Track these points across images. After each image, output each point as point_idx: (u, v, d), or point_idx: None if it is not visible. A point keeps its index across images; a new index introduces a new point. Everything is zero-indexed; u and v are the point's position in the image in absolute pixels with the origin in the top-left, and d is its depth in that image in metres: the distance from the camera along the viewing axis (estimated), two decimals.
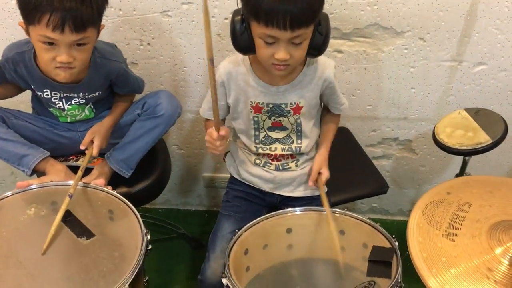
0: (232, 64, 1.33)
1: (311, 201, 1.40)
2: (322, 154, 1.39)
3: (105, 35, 1.54)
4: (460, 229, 1.07)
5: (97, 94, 1.47)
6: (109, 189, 1.33)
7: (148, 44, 1.64)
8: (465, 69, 1.64)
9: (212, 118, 1.26)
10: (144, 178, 1.54)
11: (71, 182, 1.31)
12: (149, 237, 1.19)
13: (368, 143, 1.86)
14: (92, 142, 1.46)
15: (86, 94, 1.45)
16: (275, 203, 1.46)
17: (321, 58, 1.31)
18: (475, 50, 1.59)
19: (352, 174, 1.61)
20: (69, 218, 1.24)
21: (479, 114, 1.50)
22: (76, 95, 1.45)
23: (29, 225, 1.23)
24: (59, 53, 1.25)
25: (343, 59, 1.64)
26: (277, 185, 1.43)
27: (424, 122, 1.78)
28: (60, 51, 1.25)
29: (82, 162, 1.52)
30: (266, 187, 1.44)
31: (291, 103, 1.33)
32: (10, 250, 1.16)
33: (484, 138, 1.41)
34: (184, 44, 1.63)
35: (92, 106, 1.51)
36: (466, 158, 1.53)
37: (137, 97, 1.58)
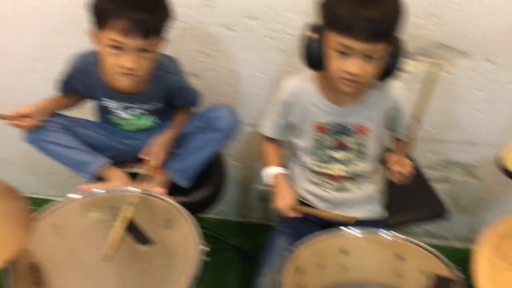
0: (299, 82, 1.33)
1: (368, 224, 1.37)
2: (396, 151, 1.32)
3: (167, 46, 1.58)
4: None
5: (155, 106, 1.51)
6: (167, 197, 1.36)
7: (209, 56, 1.67)
8: None
9: (277, 138, 1.36)
10: (201, 188, 1.56)
11: (132, 188, 1.35)
12: (206, 249, 1.20)
13: (427, 165, 1.80)
14: (152, 152, 1.50)
15: (145, 105, 1.50)
16: (330, 222, 1.43)
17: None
18: None
19: (411, 196, 1.56)
20: (129, 224, 1.27)
21: None
22: (136, 106, 1.49)
23: (91, 229, 1.27)
24: (124, 59, 1.30)
25: (406, 78, 1.60)
26: (333, 205, 1.41)
27: (489, 146, 1.71)
28: (125, 56, 1.29)
29: (142, 171, 1.56)
30: (322, 206, 1.42)
31: (356, 124, 1.31)
32: (72, 253, 1.20)
33: None
34: (245, 58, 1.65)
35: (153, 117, 1.55)
36: None
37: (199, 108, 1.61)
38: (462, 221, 1.95)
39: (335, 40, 1.13)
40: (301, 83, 1.33)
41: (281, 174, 1.41)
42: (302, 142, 1.38)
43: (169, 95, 1.52)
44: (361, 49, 1.11)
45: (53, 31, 1.70)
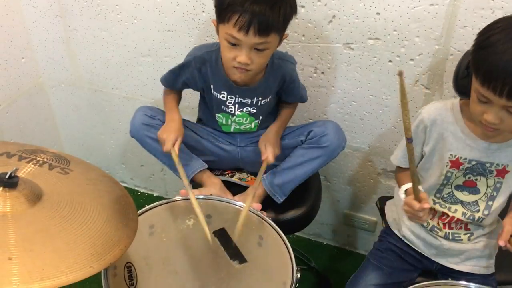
0: (439, 110, 1.21)
1: (475, 278, 1.25)
2: None
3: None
4: None
5: (268, 99, 1.47)
6: (264, 214, 1.31)
7: (322, 73, 1.61)
8: None
9: (406, 166, 1.23)
10: (295, 207, 1.50)
11: (237, 202, 1.32)
12: (299, 275, 1.14)
13: None
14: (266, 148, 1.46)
15: (260, 98, 1.46)
16: (432, 269, 1.33)
17: None
18: None
19: None
20: (224, 237, 1.24)
21: None
22: (249, 101, 1.46)
23: (187, 235, 1.25)
24: (240, 54, 1.28)
25: None
26: (441, 253, 1.30)
27: None
28: (241, 52, 1.27)
29: (239, 181, 1.54)
30: (428, 253, 1.31)
31: (497, 164, 1.18)
32: (168, 257, 1.19)
33: None
34: (359, 78, 1.57)
35: (258, 119, 1.51)
36: None
37: (301, 120, 1.54)
38: None
39: (475, 85, 1.04)
40: (444, 110, 1.20)
41: None
42: (428, 175, 1.27)
43: (283, 85, 1.47)
44: (499, 103, 1.02)
45: (165, 29, 1.72)
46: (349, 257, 2.07)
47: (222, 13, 1.26)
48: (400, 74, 0.93)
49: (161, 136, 1.41)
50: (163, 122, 1.46)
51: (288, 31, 1.34)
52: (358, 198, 1.90)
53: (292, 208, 1.50)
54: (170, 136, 1.39)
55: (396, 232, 1.37)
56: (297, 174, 1.47)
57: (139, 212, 1.20)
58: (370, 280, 1.30)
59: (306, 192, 1.55)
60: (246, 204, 1.29)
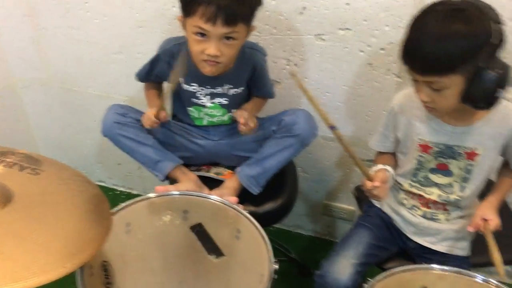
0: (407, 96, 1.27)
1: (450, 260, 1.28)
2: (490, 201, 1.25)
3: None
4: None
5: (239, 90, 1.47)
6: (240, 207, 1.31)
7: (295, 64, 1.61)
8: None
9: (382, 150, 1.34)
10: (272, 199, 1.50)
11: (212, 196, 1.31)
12: (277, 267, 1.15)
13: None
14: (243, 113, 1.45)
15: (231, 87, 1.46)
16: (409, 247, 1.36)
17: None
18: None
19: (501, 233, 1.44)
20: (201, 231, 1.24)
21: None
22: (220, 90, 1.45)
23: (164, 232, 1.24)
24: (209, 46, 1.28)
25: None
26: (419, 232, 1.33)
27: None
28: (209, 44, 1.27)
29: (214, 176, 1.53)
30: (407, 230, 1.35)
31: (465, 147, 1.21)
32: (145, 255, 1.18)
33: None
34: (332, 69, 1.58)
35: (230, 113, 1.51)
36: None
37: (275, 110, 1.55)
38: None
39: None
40: (410, 97, 1.24)
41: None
42: (405, 159, 1.31)
43: (253, 75, 1.47)
44: (422, 80, 1.11)
45: (137, 25, 1.70)
46: (329, 247, 2.05)
47: (188, 6, 1.26)
48: (292, 74, 1.01)
49: (142, 118, 1.42)
50: (136, 120, 1.45)
51: (259, 23, 1.34)
52: (335, 188, 1.92)
53: (269, 200, 1.50)
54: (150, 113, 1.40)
55: (378, 206, 1.42)
56: (271, 164, 1.47)
57: (114, 210, 1.19)
58: (363, 237, 1.34)
59: (283, 184, 1.55)
60: (213, 194, 1.30)
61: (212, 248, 1.20)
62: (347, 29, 1.48)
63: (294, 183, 1.61)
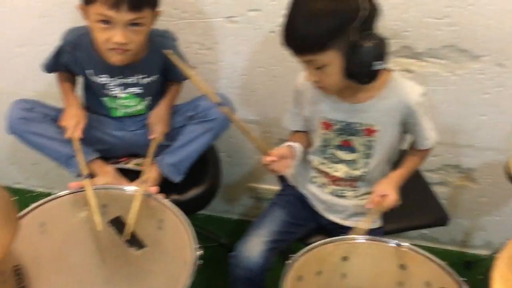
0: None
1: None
2: (391, 177, 1.29)
3: None
4: None
5: (153, 78, 1.44)
6: (161, 197, 1.29)
7: (209, 48, 1.59)
8: None
9: (295, 129, 1.35)
10: (195, 185, 1.50)
11: (125, 187, 1.27)
12: (200, 253, 1.14)
13: (426, 168, 1.76)
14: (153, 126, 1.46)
15: (145, 76, 1.42)
16: (323, 223, 1.40)
17: (407, 83, 1.22)
18: None
19: (411, 201, 1.50)
20: (120, 225, 1.20)
21: None
22: (134, 80, 1.42)
23: (81, 229, 1.20)
24: (114, 34, 1.24)
25: (411, 79, 1.54)
26: (329, 209, 1.37)
27: (491, 151, 1.67)
28: (115, 31, 1.23)
29: (132, 167, 1.49)
30: (319, 207, 1.38)
31: (363, 124, 1.24)
32: (61, 254, 1.14)
33: None
34: (246, 51, 1.58)
35: (146, 99, 1.48)
36: None
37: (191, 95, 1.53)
38: (457, 225, 1.92)
39: None
40: None
41: None
42: (314, 137, 1.33)
43: (165, 63, 1.42)
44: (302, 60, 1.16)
45: (39, 15, 1.62)
46: None
47: None
48: (168, 53, 1.08)
49: (62, 124, 1.37)
50: (45, 114, 1.38)
51: (169, 8, 1.31)
52: (259, 170, 1.93)
53: (192, 187, 1.49)
54: (69, 123, 1.35)
55: (294, 184, 1.45)
56: (191, 150, 1.45)
57: (26, 210, 1.13)
58: (278, 216, 1.38)
59: (205, 170, 1.55)
60: (139, 191, 1.25)
61: (132, 240, 1.17)
62: (256, 10, 1.48)
63: (217, 168, 1.60)
